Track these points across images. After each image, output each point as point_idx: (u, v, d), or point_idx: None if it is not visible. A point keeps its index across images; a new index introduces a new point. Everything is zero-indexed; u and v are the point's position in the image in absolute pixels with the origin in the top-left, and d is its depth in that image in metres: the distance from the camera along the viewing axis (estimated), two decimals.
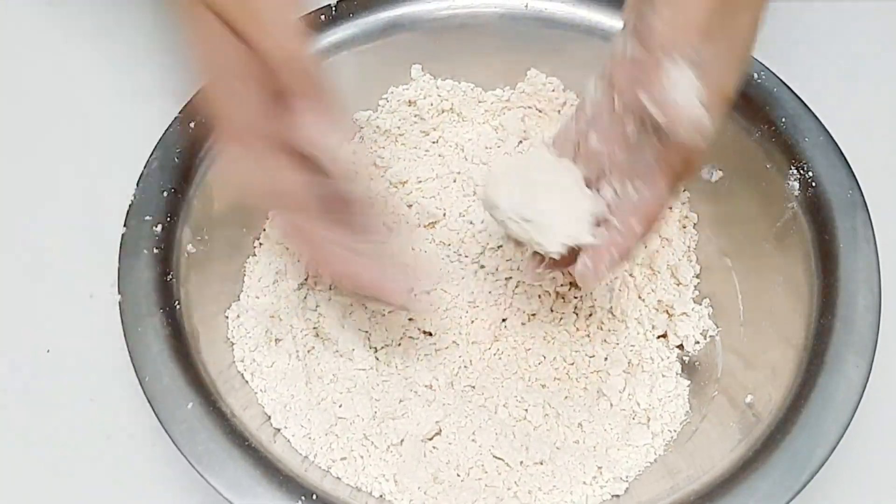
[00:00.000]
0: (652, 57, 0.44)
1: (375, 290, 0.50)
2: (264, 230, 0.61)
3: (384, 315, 0.58)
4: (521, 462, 0.53)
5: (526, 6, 0.62)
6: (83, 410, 0.59)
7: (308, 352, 0.57)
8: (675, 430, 0.55)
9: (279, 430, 0.53)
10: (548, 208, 0.49)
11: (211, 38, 0.45)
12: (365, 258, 0.49)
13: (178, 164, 0.56)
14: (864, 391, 0.49)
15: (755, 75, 0.58)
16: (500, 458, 0.53)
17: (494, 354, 0.58)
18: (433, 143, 0.65)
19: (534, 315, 0.59)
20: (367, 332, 0.57)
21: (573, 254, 0.49)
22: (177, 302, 0.53)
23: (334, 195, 0.48)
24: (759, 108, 0.57)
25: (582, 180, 0.49)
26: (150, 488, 0.57)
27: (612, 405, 0.56)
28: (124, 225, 0.54)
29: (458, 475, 0.53)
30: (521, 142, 0.64)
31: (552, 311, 0.59)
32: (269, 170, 0.47)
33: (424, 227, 0.62)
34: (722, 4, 0.44)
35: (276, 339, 0.57)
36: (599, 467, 0.53)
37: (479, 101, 0.65)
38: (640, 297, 0.59)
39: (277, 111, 0.45)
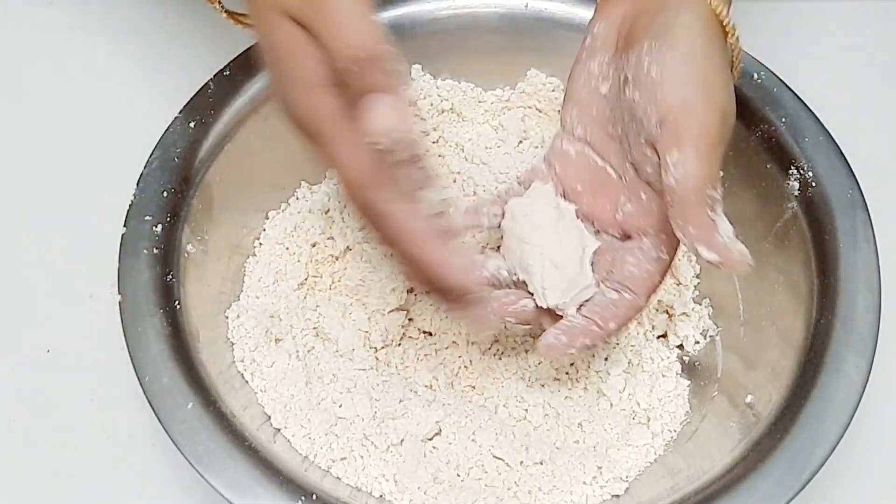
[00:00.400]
0: (682, 200, 0.45)
1: (440, 272, 0.47)
2: (264, 230, 0.61)
3: (384, 315, 0.58)
4: (521, 462, 0.53)
5: (526, 6, 0.62)
6: (83, 410, 0.59)
7: (308, 352, 0.57)
8: (675, 430, 0.55)
9: (279, 430, 0.53)
10: (548, 260, 0.50)
11: (288, 44, 0.45)
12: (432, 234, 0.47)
13: (178, 164, 0.56)
14: (864, 391, 0.49)
15: (755, 75, 0.58)
16: (500, 458, 0.53)
17: (494, 354, 0.58)
18: (433, 143, 0.65)
19: None
20: (367, 332, 0.57)
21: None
22: (177, 302, 0.53)
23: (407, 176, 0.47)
24: (759, 108, 0.57)
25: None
26: (150, 488, 0.57)
27: (612, 405, 0.56)
28: (124, 225, 0.54)
29: (458, 475, 0.53)
30: (520, 142, 0.64)
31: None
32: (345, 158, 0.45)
33: None
34: (716, 150, 0.46)
35: (276, 339, 0.57)
36: (599, 467, 0.53)
37: (479, 101, 0.65)
38: None
39: (355, 112, 0.44)
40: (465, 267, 0.47)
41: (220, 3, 0.55)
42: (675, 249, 0.50)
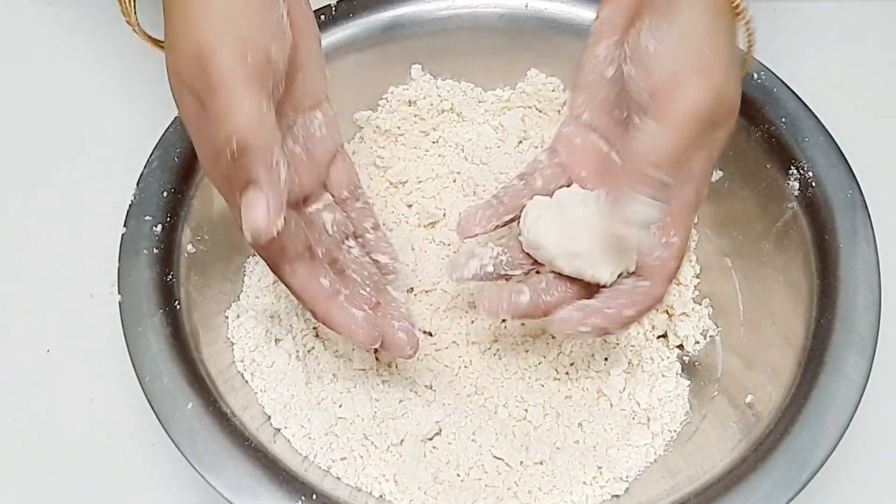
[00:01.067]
0: (623, 172, 0.46)
1: (342, 330, 0.50)
2: None
3: None
4: (521, 462, 0.53)
5: (526, 6, 0.62)
6: (83, 410, 0.59)
7: (308, 352, 0.57)
8: (675, 430, 0.55)
9: (279, 430, 0.53)
10: (590, 240, 0.49)
11: (189, 116, 0.46)
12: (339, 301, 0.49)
13: (178, 164, 0.56)
14: (864, 391, 0.49)
15: (755, 75, 0.58)
16: (500, 458, 0.53)
17: (494, 354, 0.58)
18: (433, 143, 0.65)
19: None
20: None
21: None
22: (177, 302, 0.53)
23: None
24: (759, 108, 0.57)
25: None
26: (150, 488, 0.57)
27: (612, 405, 0.56)
28: (124, 225, 0.54)
29: (458, 475, 0.53)
30: (520, 142, 0.64)
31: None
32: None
33: (424, 227, 0.62)
34: (700, 131, 0.45)
35: (276, 339, 0.57)
36: (599, 467, 0.53)
37: (479, 101, 0.65)
38: None
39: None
40: (368, 328, 0.49)
41: (138, 25, 0.55)
42: (687, 231, 0.49)
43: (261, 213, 0.43)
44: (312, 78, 0.52)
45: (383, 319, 0.51)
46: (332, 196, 0.54)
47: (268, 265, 0.48)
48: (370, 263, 0.54)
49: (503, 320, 0.58)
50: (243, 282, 0.59)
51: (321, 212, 0.53)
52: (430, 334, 0.59)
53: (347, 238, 0.54)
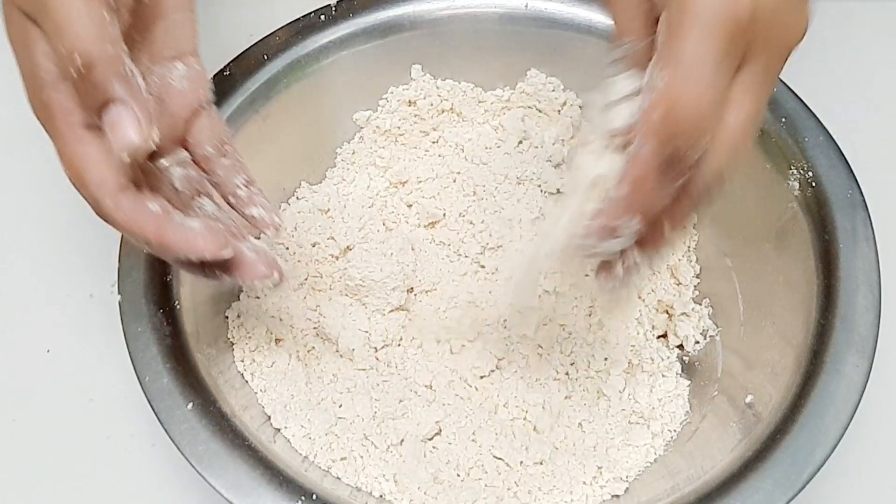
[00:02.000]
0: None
1: (183, 247, 0.45)
2: None
3: (384, 315, 0.58)
4: (521, 462, 0.53)
5: (526, 6, 0.62)
6: (83, 410, 0.59)
7: (308, 352, 0.57)
8: (675, 430, 0.55)
9: (279, 430, 0.53)
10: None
11: (20, 39, 0.43)
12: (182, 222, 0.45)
13: None
14: (864, 391, 0.49)
15: None
16: (500, 458, 0.53)
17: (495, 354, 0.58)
18: (433, 143, 0.65)
19: None
20: (367, 332, 0.57)
21: None
22: (177, 302, 0.53)
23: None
24: None
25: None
26: (150, 488, 0.57)
27: (611, 405, 0.56)
28: None
29: (458, 475, 0.53)
30: (520, 142, 0.64)
31: (552, 310, 0.59)
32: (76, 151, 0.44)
33: (424, 227, 0.62)
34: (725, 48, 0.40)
35: (276, 340, 0.57)
36: (599, 467, 0.53)
37: (479, 101, 0.65)
38: (640, 297, 0.59)
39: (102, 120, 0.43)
40: (211, 234, 0.44)
41: None
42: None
43: (132, 127, 0.40)
44: (176, 28, 0.49)
45: (233, 238, 0.47)
46: (195, 153, 0.50)
47: (89, 204, 0.44)
48: (229, 217, 0.50)
49: (504, 319, 0.58)
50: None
51: (171, 167, 0.49)
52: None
53: (200, 195, 0.50)
